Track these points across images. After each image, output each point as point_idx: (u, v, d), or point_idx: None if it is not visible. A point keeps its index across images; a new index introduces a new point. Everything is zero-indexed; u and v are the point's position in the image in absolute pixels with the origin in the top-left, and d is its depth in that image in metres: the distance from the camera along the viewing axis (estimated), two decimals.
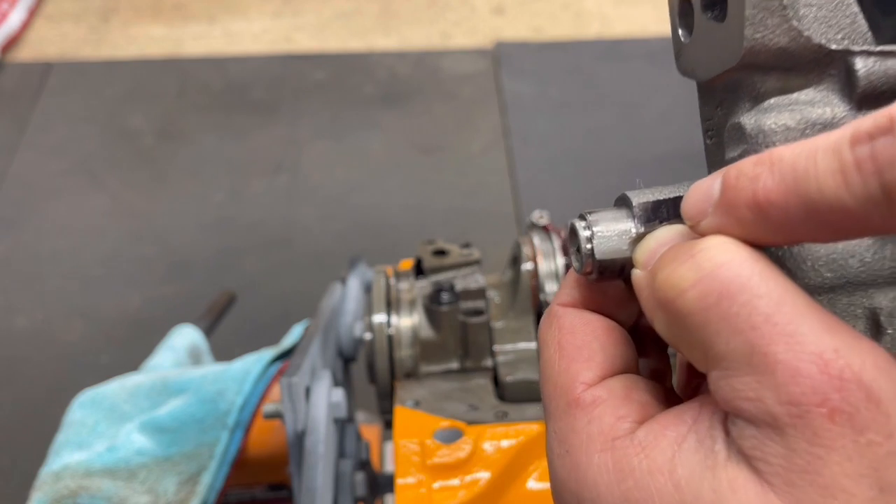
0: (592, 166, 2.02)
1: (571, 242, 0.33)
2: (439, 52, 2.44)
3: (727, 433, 0.27)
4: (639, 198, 0.32)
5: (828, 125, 0.30)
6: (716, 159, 0.34)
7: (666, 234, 0.30)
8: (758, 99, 0.31)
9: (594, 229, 0.32)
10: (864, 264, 0.30)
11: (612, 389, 0.30)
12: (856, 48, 0.30)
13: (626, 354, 0.32)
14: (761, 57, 0.30)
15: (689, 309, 0.27)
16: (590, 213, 0.32)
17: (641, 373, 0.33)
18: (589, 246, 0.31)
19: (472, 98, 2.30)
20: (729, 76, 0.32)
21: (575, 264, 0.33)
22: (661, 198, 0.32)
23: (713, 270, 0.26)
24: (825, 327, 0.25)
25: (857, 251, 0.30)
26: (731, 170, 0.27)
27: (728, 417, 0.27)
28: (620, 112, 2.21)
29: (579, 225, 0.32)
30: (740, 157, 0.31)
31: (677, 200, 0.31)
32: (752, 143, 0.30)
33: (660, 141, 1.96)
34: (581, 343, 0.32)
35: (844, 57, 0.30)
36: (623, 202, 0.33)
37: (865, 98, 0.30)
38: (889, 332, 0.30)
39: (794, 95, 0.31)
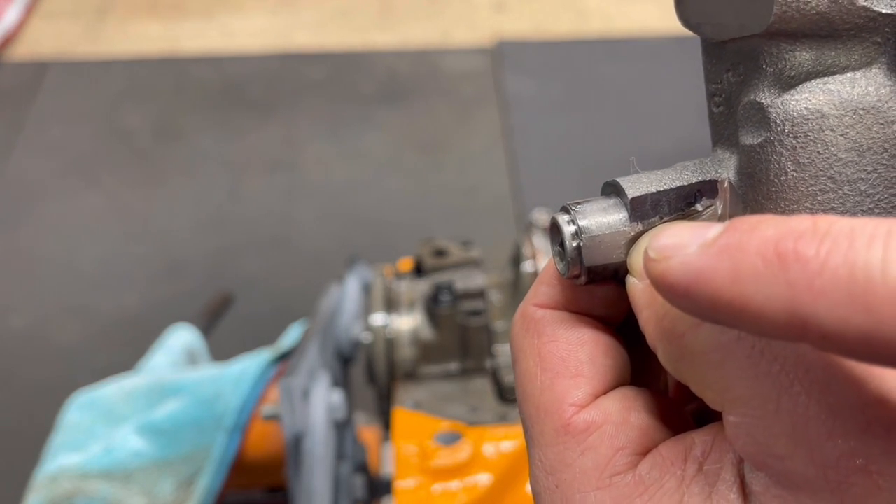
0: (593, 165, 2.01)
1: (553, 239, 0.28)
2: (439, 50, 2.43)
3: (743, 480, 0.23)
4: (634, 188, 0.26)
5: (871, 110, 0.24)
6: (724, 133, 0.27)
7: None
8: (783, 73, 0.25)
9: (581, 224, 0.26)
10: None
11: (608, 412, 0.26)
12: None
13: (618, 364, 0.27)
14: (793, 24, 0.24)
15: (703, 346, 0.23)
16: (575, 204, 0.27)
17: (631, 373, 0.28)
18: (575, 245, 0.26)
19: (473, 96, 2.29)
20: (747, 41, 0.26)
21: (559, 266, 0.27)
22: (661, 188, 0.27)
23: None
24: (867, 367, 0.21)
25: None
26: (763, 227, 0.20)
27: (745, 465, 0.23)
28: (622, 110, 2.20)
29: (562, 219, 0.27)
30: (761, 147, 0.25)
31: (680, 191, 0.27)
32: (776, 133, 0.25)
33: (662, 139, 1.95)
34: (566, 353, 0.27)
35: (895, 23, 0.24)
36: (614, 190, 0.27)
37: None
38: None
39: (829, 70, 0.25)
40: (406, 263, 0.93)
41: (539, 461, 0.26)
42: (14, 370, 1.65)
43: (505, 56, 2.40)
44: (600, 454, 0.25)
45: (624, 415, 0.26)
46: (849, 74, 0.25)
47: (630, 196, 0.26)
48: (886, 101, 0.25)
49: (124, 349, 1.54)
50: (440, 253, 0.87)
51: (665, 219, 0.27)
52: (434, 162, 2.09)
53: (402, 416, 0.76)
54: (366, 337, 0.83)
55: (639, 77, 2.30)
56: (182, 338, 1.12)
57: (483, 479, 0.71)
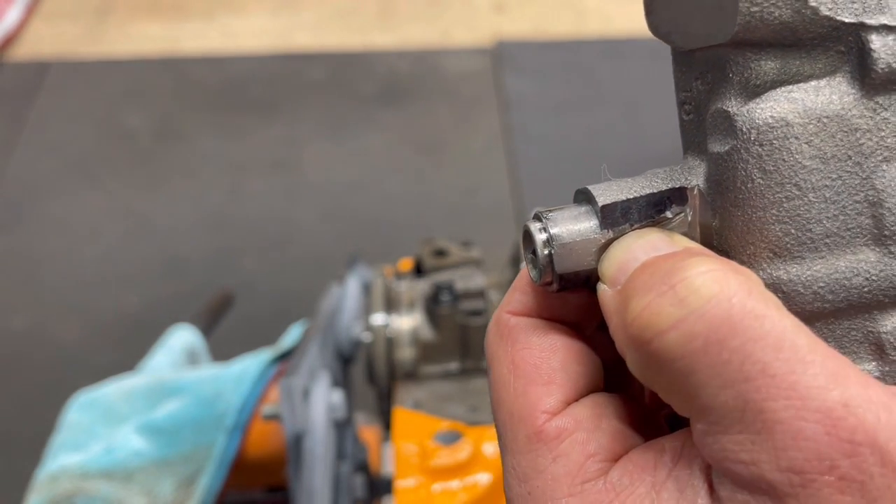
0: (593, 165, 2.00)
1: (526, 247, 0.28)
2: (439, 51, 2.43)
3: (711, 486, 0.23)
4: (605, 195, 0.27)
5: (835, 118, 0.25)
6: (693, 140, 0.28)
7: (637, 243, 0.26)
8: (748, 81, 0.25)
9: (552, 232, 0.27)
10: (869, 282, 0.25)
11: (579, 419, 0.26)
12: (872, 21, 0.24)
13: (590, 371, 0.27)
14: (757, 33, 0.24)
15: (669, 353, 0.23)
16: (547, 212, 0.27)
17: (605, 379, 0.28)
18: (546, 252, 0.27)
19: (472, 96, 2.29)
20: (714, 50, 0.26)
21: (532, 273, 0.28)
22: (631, 196, 0.27)
23: (699, 308, 0.22)
24: (831, 375, 0.21)
25: (861, 268, 0.25)
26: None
27: (713, 471, 0.23)
28: (621, 110, 2.21)
29: (534, 227, 0.27)
30: (728, 155, 0.26)
31: (651, 198, 0.27)
32: (742, 141, 0.25)
33: (661, 139, 1.95)
34: (538, 361, 0.27)
35: (857, 32, 0.24)
36: (585, 198, 0.28)
37: (882, 84, 0.24)
38: (894, 357, 0.26)
39: (794, 78, 0.25)
40: (406, 263, 0.93)
41: (512, 468, 0.26)
42: (15, 370, 1.65)
43: (505, 56, 2.40)
44: (572, 461, 0.25)
45: (595, 421, 0.26)
46: (813, 83, 0.25)
47: (600, 204, 0.27)
48: (850, 110, 0.25)
49: (124, 349, 1.54)
50: (440, 253, 0.87)
51: (635, 226, 0.27)
52: (434, 162, 2.10)
53: (402, 415, 0.76)
54: (366, 337, 0.83)
55: (639, 77, 2.30)
56: (182, 338, 1.12)
57: (483, 478, 0.71)
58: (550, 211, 0.27)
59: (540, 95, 2.27)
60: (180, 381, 0.94)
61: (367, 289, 0.90)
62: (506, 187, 2.00)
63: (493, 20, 2.56)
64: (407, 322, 0.82)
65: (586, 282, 0.27)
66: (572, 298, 0.28)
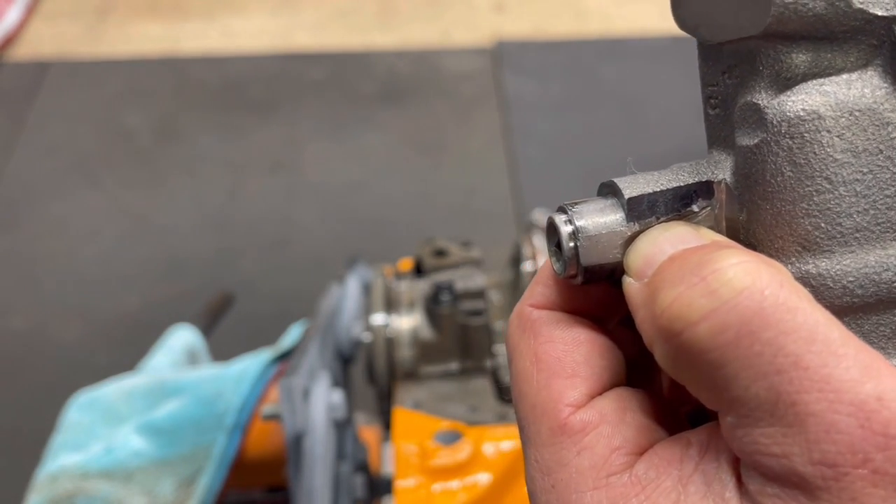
0: (593, 165, 2.01)
1: (550, 239, 0.28)
2: (439, 51, 2.43)
3: (739, 480, 0.23)
4: (631, 188, 0.27)
5: (867, 112, 0.25)
6: (720, 135, 0.27)
7: (664, 236, 0.26)
8: (779, 74, 0.25)
9: (578, 224, 0.26)
10: None
11: (604, 412, 0.26)
12: None
13: (613, 365, 0.27)
14: (790, 25, 0.24)
15: (699, 345, 0.23)
16: (572, 204, 0.27)
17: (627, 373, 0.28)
18: (572, 245, 0.26)
19: (472, 96, 2.29)
20: (744, 43, 0.26)
21: (556, 266, 0.27)
22: (657, 189, 0.27)
23: (731, 299, 0.22)
24: (864, 368, 0.21)
25: (891, 263, 0.25)
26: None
27: (742, 464, 0.23)
28: (622, 110, 2.21)
29: (559, 219, 0.27)
30: (757, 148, 0.25)
31: (677, 192, 0.27)
32: (773, 134, 0.25)
33: (662, 139, 1.95)
34: (562, 354, 0.27)
35: (890, 25, 0.24)
36: (610, 191, 0.27)
37: None
38: None
39: (825, 71, 0.25)
40: (406, 263, 0.93)
41: (535, 461, 0.26)
42: (15, 371, 1.65)
43: (505, 56, 2.40)
44: (597, 454, 0.25)
45: (620, 415, 0.26)
46: (844, 76, 0.25)
47: (627, 196, 0.27)
48: (882, 103, 0.25)
49: (124, 349, 1.54)
50: (440, 253, 0.87)
51: (661, 219, 0.27)
52: (434, 162, 2.10)
53: (402, 415, 0.76)
54: (366, 337, 0.83)
55: (638, 77, 2.31)
56: (182, 338, 1.12)
57: (483, 478, 0.71)
58: (576, 203, 0.27)
59: (540, 95, 2.27)
60: (180, 381, 0.94)
61: (367, 289, 0.90)
62: (506, 187, 2.00)
63: (493, 20, 2.56)
64: (407, 322, 0.82)
65: (610, 275, 0.27)
66: (594, 292, 0.28)
